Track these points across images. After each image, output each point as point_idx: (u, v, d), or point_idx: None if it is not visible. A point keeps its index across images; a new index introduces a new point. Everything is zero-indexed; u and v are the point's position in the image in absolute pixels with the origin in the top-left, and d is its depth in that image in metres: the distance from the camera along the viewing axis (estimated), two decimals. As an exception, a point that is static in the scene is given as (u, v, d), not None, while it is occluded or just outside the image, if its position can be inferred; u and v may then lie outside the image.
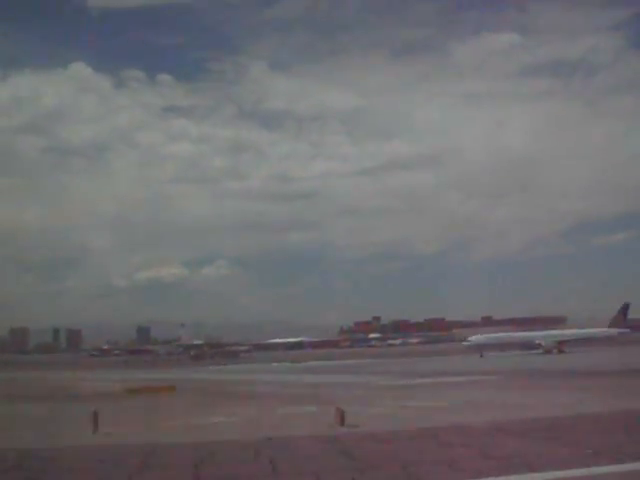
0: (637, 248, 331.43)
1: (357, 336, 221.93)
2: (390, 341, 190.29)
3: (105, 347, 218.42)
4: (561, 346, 69.40)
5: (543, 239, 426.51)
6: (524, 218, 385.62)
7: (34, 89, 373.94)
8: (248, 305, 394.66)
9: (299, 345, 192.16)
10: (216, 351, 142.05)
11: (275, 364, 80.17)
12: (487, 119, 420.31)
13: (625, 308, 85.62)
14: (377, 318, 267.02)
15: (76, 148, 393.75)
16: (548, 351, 67.91)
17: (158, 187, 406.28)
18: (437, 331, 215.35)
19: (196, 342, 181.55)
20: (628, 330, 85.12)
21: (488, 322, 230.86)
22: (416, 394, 30.32)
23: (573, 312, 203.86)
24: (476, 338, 75.83)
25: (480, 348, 69.09)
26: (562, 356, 61.95)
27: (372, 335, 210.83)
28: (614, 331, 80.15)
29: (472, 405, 23.60)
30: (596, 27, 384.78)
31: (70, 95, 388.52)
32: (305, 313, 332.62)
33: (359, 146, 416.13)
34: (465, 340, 76.74)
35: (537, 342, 72.03)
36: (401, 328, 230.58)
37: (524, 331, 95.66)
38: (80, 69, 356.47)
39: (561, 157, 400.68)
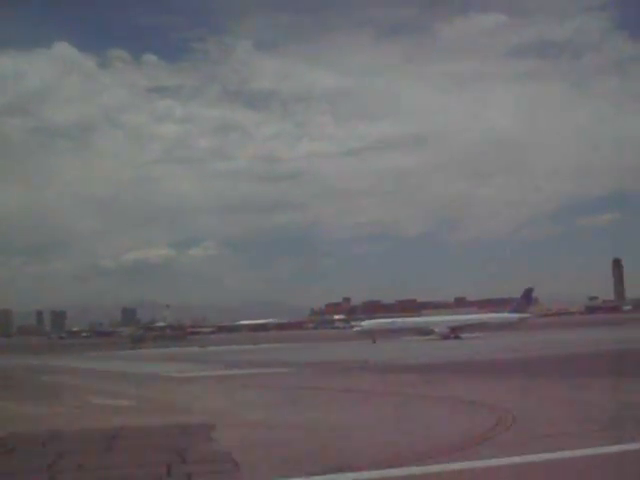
0: (623, 228, 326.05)
1: (324, 318, 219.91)
2: (353, 322, 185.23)
3: (75, 329, 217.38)
4: (455, 331, 65.06)
5: (530, 220, 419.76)
6: (511, 199, 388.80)
7: (18, 69, 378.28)
8: (236, 286, 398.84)
9: (264, 327, 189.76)
10: (159, 334, 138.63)
11: (196, 348, 75.55)
12: (473, 100, 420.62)
13: (528, 292, 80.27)
14: (347, 299, 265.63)
15: (61, 129, 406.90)
16: (445, 337, 63.64)
17: (144, 168, 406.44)
18: (409, 312, 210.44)
19: (159, 324, 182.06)
20: (530, 315, 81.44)
21: (461, 303, 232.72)
22: (156, 388, 27.07)
23: (555, 292, 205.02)
24: (367, 323, 71.14)
25: (372, 334, 64.72)
26: (435, 344, 57.58)
27: (337, 317, 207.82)
28: (514, 317, 76.06)
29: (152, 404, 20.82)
30: (583, 8, 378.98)
31: (54, 75, 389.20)
32: (293, 294, 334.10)
33: (345, 127, 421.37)
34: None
35: (431, 328, 67.83)
36: (372, 309, 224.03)
37: (495, 312, 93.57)
38: (64, 49, 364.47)
39: (548, 138, 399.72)
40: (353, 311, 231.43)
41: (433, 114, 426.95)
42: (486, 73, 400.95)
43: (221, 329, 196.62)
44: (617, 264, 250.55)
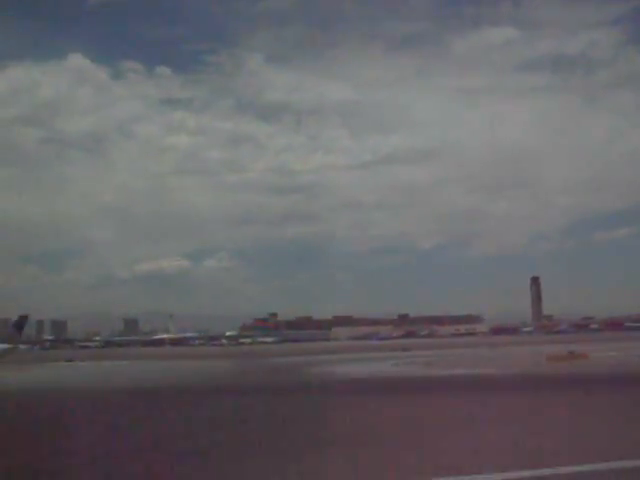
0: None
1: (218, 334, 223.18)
2: (242, 340, 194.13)
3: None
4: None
5: (543, 234, 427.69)
6: (524, 214, 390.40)
7: (32, 80, 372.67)
8: (249, 297, 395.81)
9: (161, 342, 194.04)
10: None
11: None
12: (486, 113, 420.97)
13: (20, 321, 70.73)
14: (274, 315, 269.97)
15: (75, 139, 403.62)
16: None
17: (157, 179, 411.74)
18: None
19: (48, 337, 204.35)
20: (21, 346, 75.12)
21: (403, 320, 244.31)
22: None
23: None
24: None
25: None
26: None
27: (228, 333, 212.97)
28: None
29: None
30: (595, 22, 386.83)
31: (68, 86, 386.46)
32: (304, 305, 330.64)
33: (358, 140, 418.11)
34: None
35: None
36: (297, 325, 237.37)
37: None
38: (78, 60, 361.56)
39: (561, 152, 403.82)
40: (278, 326, 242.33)
41: (445, 127, 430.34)
42: (499, 87, 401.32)
43: (108, 343, 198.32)
44: (535, 282, 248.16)
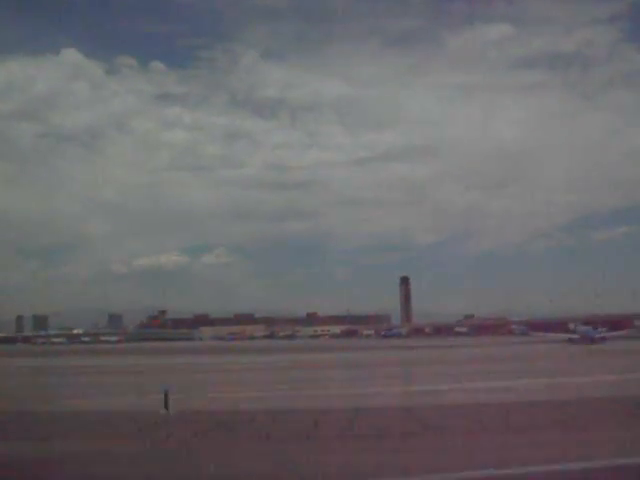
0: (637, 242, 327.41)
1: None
2: (54, 339, 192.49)
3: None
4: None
5: (542, 232, 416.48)
6: (522, 211, 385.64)
7: (27, 75, 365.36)
8: (246, 293, 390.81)
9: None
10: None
11: None
12: (482, 111, 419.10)
13: None
14: (163, 312, 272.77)
15: (70, 134, 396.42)
16: None
17: (154, 174, 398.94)
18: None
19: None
20: None
21: (312, 319, 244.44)
22: None
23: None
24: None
25: None
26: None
27: (75, 331, 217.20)
28: None
29: None
30: (591, 19, 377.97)
31: (63, 81, 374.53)
32: (301, 302, 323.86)
33: (354, 136, 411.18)
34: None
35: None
36: (190, 323, 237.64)
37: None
38: (72, 55, 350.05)
39: (558, 150, 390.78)
40: (164, 325, 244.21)
41: (442, 124, 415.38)
42: (495, 84, 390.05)
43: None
44: (404, 281, 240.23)
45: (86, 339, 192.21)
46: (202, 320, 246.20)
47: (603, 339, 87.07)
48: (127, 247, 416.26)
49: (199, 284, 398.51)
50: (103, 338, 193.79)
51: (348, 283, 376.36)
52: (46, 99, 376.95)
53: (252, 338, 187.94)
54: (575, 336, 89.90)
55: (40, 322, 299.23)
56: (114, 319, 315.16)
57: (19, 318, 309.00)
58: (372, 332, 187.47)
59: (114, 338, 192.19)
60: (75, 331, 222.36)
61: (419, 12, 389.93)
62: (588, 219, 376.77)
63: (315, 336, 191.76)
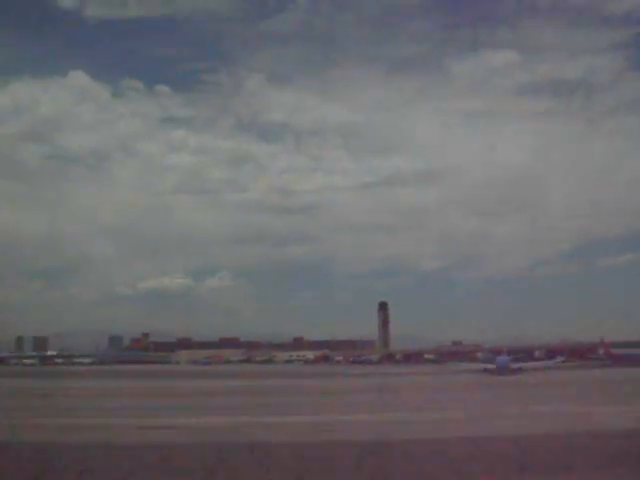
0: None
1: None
2: (26, 360, 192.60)
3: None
4: None
5: (546, 259, 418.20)
6: (526, 237, 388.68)
7: (34, 97, 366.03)
8: (248, 317, 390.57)
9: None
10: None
11: None
12: (487, 137, 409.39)
13: None
14: (146, 335, 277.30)
15: (76, 156, 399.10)
16: None
17: (159, 197, 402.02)
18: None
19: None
20: None
21: (299, 344, 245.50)
22: None
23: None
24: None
25: None
26: None
27: (49, 352, 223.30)
28: None
29: None
30: (596, 47, 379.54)
31: (69, 103, 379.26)
32: (300, 326, 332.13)
33: (359, 161, 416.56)
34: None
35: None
36: (173, 347, 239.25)
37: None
38: (79, 77, 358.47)
39: (563, 176, 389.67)
40: (146, 347, 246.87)
41: (447, 150, 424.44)
42: (499, 110, 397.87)
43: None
44: (383, 307, 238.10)
45: (59, 361, 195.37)
46: (184, 343, 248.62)
47: (518, 370, 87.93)
48: (131, 269, 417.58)
49: (201, 307, 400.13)
50: (77, 360, 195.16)
51: (347, 307, 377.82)
52: (53, 121, 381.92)
53: (228, 362, 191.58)
54: (490, 366, 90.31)
55: (40, 343, 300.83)
56: (114, 341, 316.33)
57: (19, 339, 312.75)
58: (341, 358, 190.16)
59: (87, 360, 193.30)
60: (49, 352, 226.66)
61: (424, 38, 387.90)
62: (592, 246, 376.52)
63: (290, 361, 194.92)
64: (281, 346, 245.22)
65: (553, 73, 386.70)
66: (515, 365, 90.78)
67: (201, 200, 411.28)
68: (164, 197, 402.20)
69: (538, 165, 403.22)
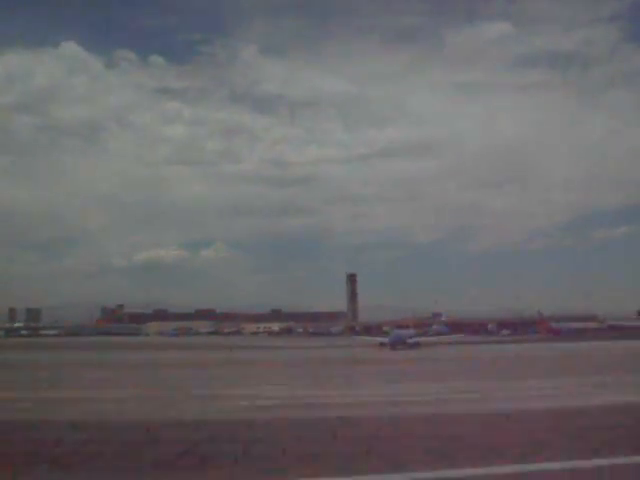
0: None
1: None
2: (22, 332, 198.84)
3: None
4: None
5: (542, 231, 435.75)
6: (523, 209, 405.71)
7: (27, 68, 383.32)
8: (243, 288, 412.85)
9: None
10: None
11: None
12: (483, 108, 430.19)
13: None
14: (121, 306, 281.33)
15: (70, 127, 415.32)
16: None
17: (154, 168, 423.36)
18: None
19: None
20: None
21: (276, 315, 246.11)
22: None
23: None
24: None
25: None
26: None
27: (16, 324, 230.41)
28: None
29: None
30: (591, 19, 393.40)
31: (63, 74, 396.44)
32: (301, 298, 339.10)
33: (354, 133, 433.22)
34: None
35: None
36: (148, 318, 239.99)
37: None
38: (72, 48, 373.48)
39: (558, 148, 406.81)
40: (120, 319, 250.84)
41: (442, 122, 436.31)
42: (495, 82, 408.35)
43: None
44: (351, 279, 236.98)
45: (24, 333, 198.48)
46: (160, 315, 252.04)
47: (416, 344, 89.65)
48: (126, 241, 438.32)
49: (196, 278, 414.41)
50: (43, 332, 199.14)
51: (339, 279, 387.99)
52: (46, 92, 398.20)
53: (196, 334, 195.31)
54: (384, 340, 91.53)
55: (33, 315, 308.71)
56: (107, 312, 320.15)
57: (12, 310, 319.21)
58: (301, 330, 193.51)
59: (53, 332, 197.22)
60: (16, 324, 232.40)
61: (418, 9, 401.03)
62: (588, 218, 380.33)
63: (256, 333, 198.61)
64: (259, 317, 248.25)
65: (548, 45, 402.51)
66: (411, 340, 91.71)
67: (195, 171, 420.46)
68: (159, 168, 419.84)
69: (534, 137, 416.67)
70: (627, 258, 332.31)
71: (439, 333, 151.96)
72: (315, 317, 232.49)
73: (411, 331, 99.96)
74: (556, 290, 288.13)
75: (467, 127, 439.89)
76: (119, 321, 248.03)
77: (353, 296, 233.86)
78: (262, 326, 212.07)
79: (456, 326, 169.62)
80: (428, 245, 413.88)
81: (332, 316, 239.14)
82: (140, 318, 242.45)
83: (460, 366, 51.49)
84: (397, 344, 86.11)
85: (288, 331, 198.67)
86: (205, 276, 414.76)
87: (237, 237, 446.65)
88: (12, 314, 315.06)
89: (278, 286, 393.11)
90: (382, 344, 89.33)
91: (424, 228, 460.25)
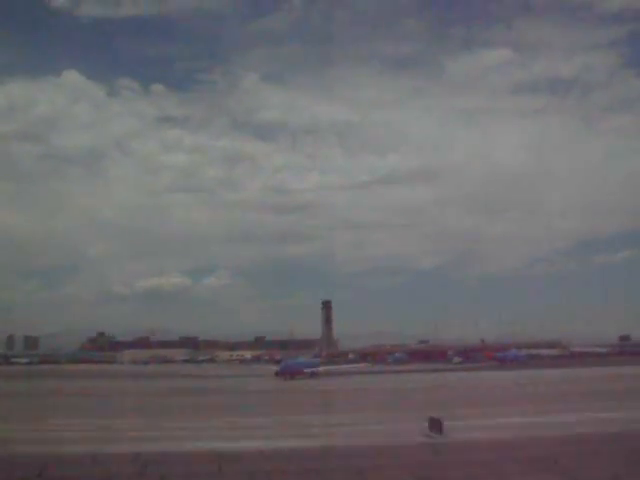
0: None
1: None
2: None
3: None
4: None
5: (543, 257, 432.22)
6: (523, 235, 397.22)
7: (29, 96, 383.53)
8: (247, 315, 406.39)
9: None
10: None
11: None
12: (482, 135, 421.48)
13: None
14: (102, 334, 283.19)
15: (72, 156, 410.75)
16: None
17: (155, 196, 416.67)
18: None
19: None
20: None
21: (258, 343, 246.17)
22: None
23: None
24: None
25: None
26: None
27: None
28: None
29: None
30: (591, 45, 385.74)
31: (64, 103, 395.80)
32: (301, 325, 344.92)
33: (354, 159, 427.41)
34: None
35: None
36: (130, 346, 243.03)
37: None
38: (73, 77, 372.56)
39: (558, 174, 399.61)
40: (102, 347, 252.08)
41: (443, 148, 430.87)
42: (495, 108, 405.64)
43: None
44: (326, 305, 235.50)
45: None
46: (142, 342, 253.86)
47: (314, 374, 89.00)
48: (127, 268, 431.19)
49: (197, 305, 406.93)
50: (14, 360, 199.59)
51: (343, 305, 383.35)
52: (48, 120, 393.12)
53: (168, 362, 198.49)
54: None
55: (31, 343, 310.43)
56: (91, 340, 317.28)
57: (10, 338, 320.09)
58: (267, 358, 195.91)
59: (25, 360, 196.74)
60: None
61: (419, 36, 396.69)
62: (588, 244, 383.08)
63: (229, 361, 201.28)
64: (239, 345, 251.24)
65: (548, 71, 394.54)
66: (309, 370, 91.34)
67: (197, 199, 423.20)
68: (160, 196, 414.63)
69: (534, 163, 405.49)
70: (627, 283, 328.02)
71: (398, 361, 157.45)
72: (295, 344, 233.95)
73: (315, 360, 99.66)
74: (550, 315, 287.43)
75: (468, 153, 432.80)
76: (101, 349, 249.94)
77: (328, 322, 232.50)
78: (235, 354, 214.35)
79: (417, 355, 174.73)
80: (429, 271, 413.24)
81: (309, 343, 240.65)
82: (121, 346, 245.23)
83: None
84: (288, 374, 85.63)
85: (257, 359, 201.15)
86: (205, 303, 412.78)
87: (238, 264, 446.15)
88: (10, 341, 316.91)
89: (277, 313, 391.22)
90: (277, 373, 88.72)
91: (424, 254, 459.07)
